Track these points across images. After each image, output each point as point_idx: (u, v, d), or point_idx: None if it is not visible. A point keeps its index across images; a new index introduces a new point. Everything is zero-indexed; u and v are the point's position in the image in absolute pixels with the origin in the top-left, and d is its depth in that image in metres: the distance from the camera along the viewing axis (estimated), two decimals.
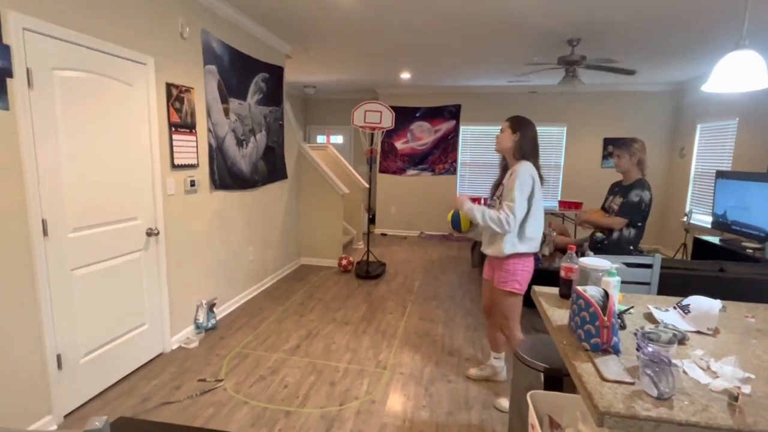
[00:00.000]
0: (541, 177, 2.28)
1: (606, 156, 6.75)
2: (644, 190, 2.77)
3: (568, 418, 1.49)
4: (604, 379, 1.13)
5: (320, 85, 7.22)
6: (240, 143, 3.72)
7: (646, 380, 1.07)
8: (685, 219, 5.63)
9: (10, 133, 1.87)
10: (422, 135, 7.32)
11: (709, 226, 5.09)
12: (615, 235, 2.86)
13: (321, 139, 8.48)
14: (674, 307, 1.63)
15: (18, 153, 1.90)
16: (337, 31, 3.99)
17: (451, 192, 7.36)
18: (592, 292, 1.35)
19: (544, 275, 3.38)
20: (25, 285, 1.96)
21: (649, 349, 1.11)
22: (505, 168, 2.40)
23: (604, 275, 1.58)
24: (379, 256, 5.88)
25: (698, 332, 1.47)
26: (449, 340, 3.25)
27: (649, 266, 2.39)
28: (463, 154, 7.28)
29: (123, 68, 2.45)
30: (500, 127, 2.39)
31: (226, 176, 3.53)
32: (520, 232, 2.25)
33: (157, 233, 2.77)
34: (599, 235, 2.96)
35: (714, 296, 1.60)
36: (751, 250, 3.97)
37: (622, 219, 2.82)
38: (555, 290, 1.86)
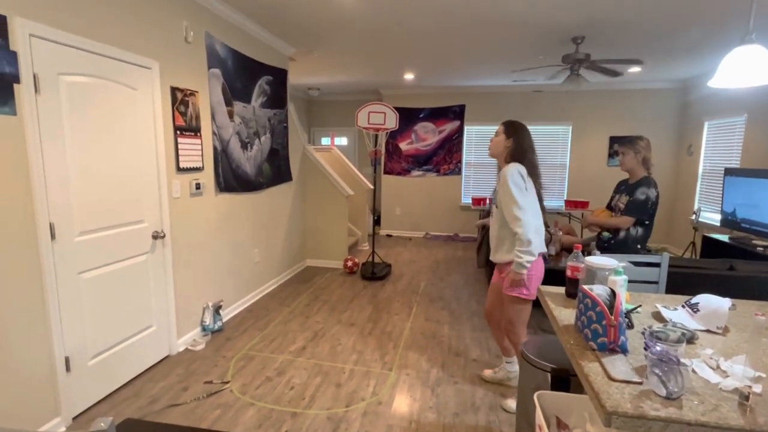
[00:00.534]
0: (537, 176, 2.24)
1: (612, 154, 6.69)
2: (650, 187, 2.74)
3: (576, 419, 1.47)
4: (611, 379, 1.11)
5: (324, 86, 7.24)
6: (245, 146, 3.74)
7: (654, 380, 1.06)
8: (693, 217, 5.57)
9: (18, 138, 1.89)
10: (426, 136, 7.31)
11: (718, 224, 5.03)
12: (622, 234, 2.84)
13: (325, 141, 8.50)
14: (683, 306, 1.61)
15: (25, 157, 1.92)
16: (340, 32, 4.00)
17: (456, 192, 7.33)
18: (598, 291, 1.34)
19: (551, 275, 3.35)
20: (33, 288, 1.98)
21: (658, 348, 1.09)
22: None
23: (610, 274, 1.56)
24: (385, 257, 5.87)
25: (707, 331, 1.45)
26: (456, 341, 3.24)
27: (657, 265, 2.36)
28: (468, 155, 7.26)
29: (128, 73, 2.47)
30: (496, 130, 2.34)
31: (231, 179, 3.54)
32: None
33: (163, 236, 2.78)
34: (606, 234, 2.93)
35: (724, 295, 1.58)
36: (761, 248, 3.91)
37: (629, 218, 2.79)
38: (561, 290, 1.84)
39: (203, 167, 3.18)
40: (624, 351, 1.25)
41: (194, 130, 3.05)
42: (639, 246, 2.85)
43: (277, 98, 4.36)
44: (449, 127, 7.19)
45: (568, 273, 1.74)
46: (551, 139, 6.95)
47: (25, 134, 1.91)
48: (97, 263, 2.32)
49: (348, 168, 6.19)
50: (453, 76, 6.08)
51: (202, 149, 3.14)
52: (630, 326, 1.45)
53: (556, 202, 7.03)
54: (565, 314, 1.57)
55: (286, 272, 4.77)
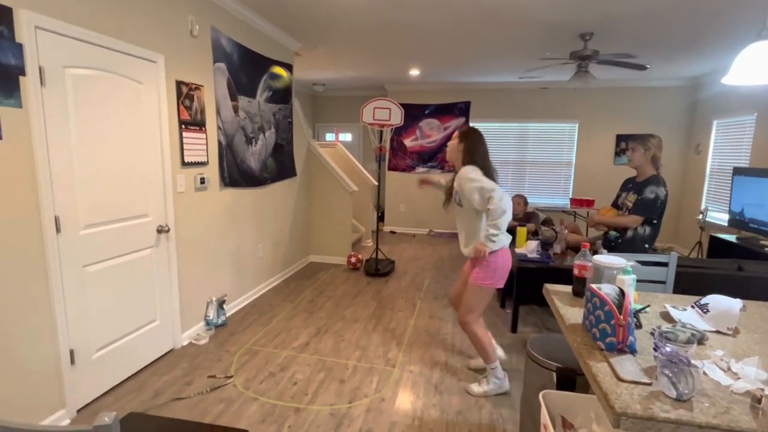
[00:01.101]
0: (493, 179, 2.37)
1: (618, 153, 6.64)
2: (660, 186, 2.71)
3: (582, 419, 1.46)
4: (620, 380, 1.10)
5: (329, 82, 7.22)
6: (249, 141, 3.73)
7: (664, 381, 1.04)
8: (700, 217, 5.52)
9: (24, 131, 1.89)
10: (431, 132, 7.28)
11: (726, 224, 4.98)
12: (629, 233, 2.81)
13: (330, 136, 8.48)
14: (692, 306, 1.58)
15: (31, 150, 1.92)
16: (346, 27, 3.98)
17: None
18: (607, 290, 1.32)
19: (556, 273, 3.34)
20: (38, 281, 1.98)
21: (668, 349, 1.07)
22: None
23: (619, 273, 1.54)
24: (388, 253, 5.87)
25: (717, 332, 1.42)
26: (459, 339, 3.22)
27: (665, 264, 2.34)
28: None
29: (134, 66, 2.46)
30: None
31: (236, 174, 3.54)
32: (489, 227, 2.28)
33: (168, 230, 2.78)
34: (613, 233, 2.91)
35: (732, 296, 1.55)
36: None
37: (638, 217, 2.76)
38: (568, 288, 1.82)
39: (208, 162, 3.18)
40: (633, 351, 1.24)
41: (199, 125, 3.04)
42: (647, 245, 2.82)
43: (283, 93, 4.34)
44: (454, 123, 7.16)
45: (576, 272, 1.72)
46: (557, 137, 6.90)
47: (31, 127, 1.91)
48: (101, 257, 2.33)
49: (352, 164, 6.17)
50: (459, 72, 6.04)
51: (206, 144, 3.14)
52: (638, 326, 1.43)
53: (561, 200, 6.99)
54: (572, 313, 1.55)
55: (289, 268, 4.77)
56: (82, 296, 2.22)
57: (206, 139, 3.13)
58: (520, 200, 4.82)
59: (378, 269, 4.78)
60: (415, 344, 3.12)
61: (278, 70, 4.17)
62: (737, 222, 4.60)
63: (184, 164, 2.93)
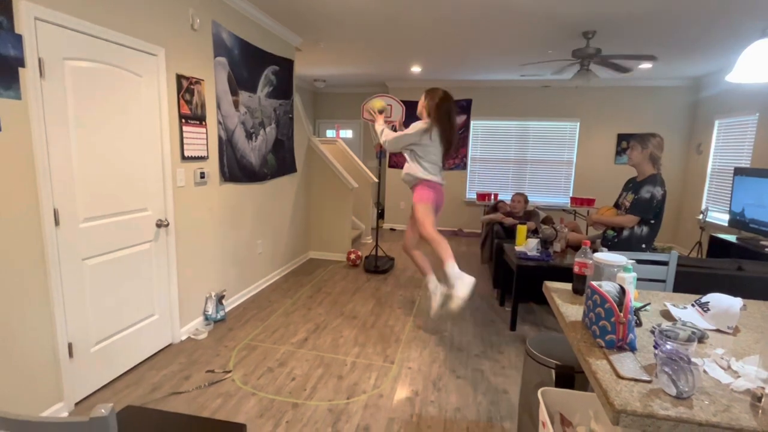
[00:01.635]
0: (446, 139, 3.07)
1: (619, 152, 6.63)
2: (656, 186, 2.69)
3: (580, 416, 1.46)
4: (620, 377, 1.09)
5: (330, 78, 7.20)
6: (249, 136, 3.72)
7: (664, 378, 1.04)
8: (700, 217, 5.51)
9: (23, 123, 1.87)
10: None
11: (726, 224, 4.97)
12: (626, 232, 2.79)
13: (330, 133, 8.47)
14: (692, 305, 1.58)
15: (30, 142, 1.91)
16: (347, 23, 3.96)
17: (461, 187, 7.30)
18: (607, 287, 1.32)
19: (556, 272, 3.33)
20: (37, 274, 1.98)
21: (668, 347, 1.07)
22: None
23: (619, 271, 1.53)
24: (388, 251, 5.86)
25: (717, 331, 1.42)
26: (458, 336, 3.22)
27: (665, 263, 2.33)
28: (474, 150, 7.21)
29: (134, 59, 2.45)
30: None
31: (236, 169, 3.53)
32: (421, 166, 3.06)
33: (167, 224, 2.78)
34: (610, 232, 2.90)
35: (732, 295, 1.55)
36: None
37: (633, 216, 2.74)
38: (568, 286, 1.82)
39: (208, 156, 3.17)
40: (633, 349, 1.23)
41: (199, 119, 3.03)
42: (644, 245, 2.80)
43: (283, 89, 4.33)
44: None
45: (576, 269, 1.71)
46: (558, 135, 6.88)
47: (30, 119, 1.90)
48: (100, 250, 2.32)
49: (353, 161, 6.16)
50: (460, 69, 6.02)
51: (207, 138, 3.13)
52: (638, 324, 1.43)
53: (561, 199, 6.99)
54: (571, 310, 1.55)
55: (289, 264, 4.77)
56: (80, 290, 2.22)
57: (206, 133, 3.12)
58: (520, 198, 4.81)
59: (377, 266, 4.77)
60: (413, 341, 3.12)
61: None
62: (738, 222, 4.59)
63: (184, 158, 2.92)
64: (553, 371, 1.73)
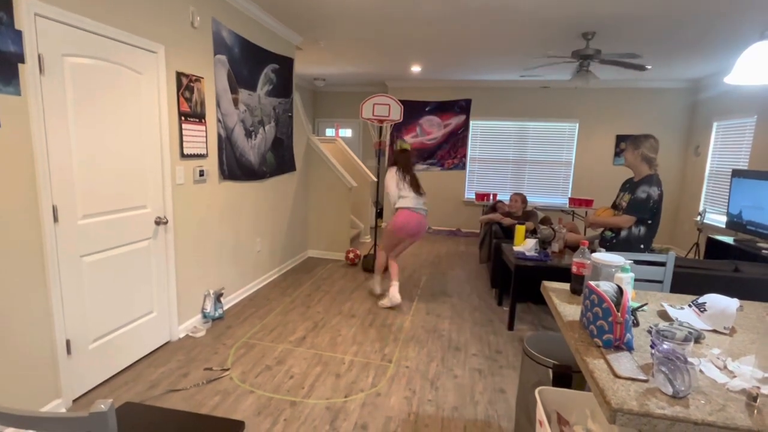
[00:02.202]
0: (407, 175, 3.76)
1: (618, 153, 6.64)
2: (652, 186, 2.68)
3: (577, 416, 1.46)
4: (617, 376, 1.10)
5: (330, 77, 7.19)
6: (249, 134, 3.72)
7: (660, 378, 1.04)
8: (698, 218, 5.53)
9: (22, 119, 1.87)
10: (431, 130, 7.27)
11: (723, 225, 4.99)
12: (623, 233, 2.78)
13: (330, 132, 8.46)
14: (689, 305, 1.59)
15: (29, 139, 1.91)
16: (348, 22, 3.96)
17: (460, 187, 7.31)
18: (605, 287, 1.32)
19: (554, 272, 3.35)
20: (35, 270, 1.98)
21: (665, 347, 1.08)
22: None
23: (617, 271, 1.54)
24: None
25: (714, 331, 1.43)
26: (456, 336, 3.23)
27: (663, 264, 2.34)
28: (473, 150, 7.22)
29: (134, 56, 2.45)
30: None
31: (235, 167, 3.53)
32: (399, 198, 3.75)
33: (166, 222, 2.78)
34: (608, 233, 2.89)
35: (728, 296, 1.56)
36: (766, 251, 3.89)
37: (629, 217, 2.72)
38: (566, 286, 1.82)
39: (207, 154, 3.16)
40: (630, 348, 1.24)
41: (199, 117, 3.03)
42: (642, 246, 2.79)
43: (283, 87, 4.32)
44: (454, 121, 7.15)
45: (574, 269, 1.72)
46: (557, 136, 6.90)
47: (29, 115, 1.90)
48: (99, 247, 2.32)
49: (352, 160, 6.16)
50: (460, 69, 6.02)
51: (206, 136, 3.12)
52: (636, 324, 1.44)
53: (560, 199, 7.00)
54: (569, 310, 1.55)
55: (287, 262, 4.77)
56: (79, 286, 2.21)
57: (206, 131, 3.12)
58: (518, 198, 4.82)
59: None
60: (411, 340, 3.13)
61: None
62: (735, 224, 4.61)
63: (183, 156, 2.91)
64: (550, 370, 1.73)
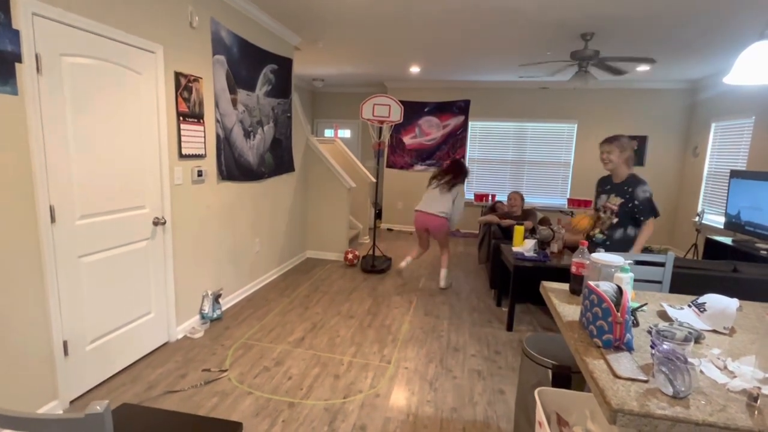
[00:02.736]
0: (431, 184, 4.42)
1: None
2: (645, 184, 2.62)
3: (577, 416, 1.46)
4: (617, 376, 1.10)
5: (329, 78, 7.19)
6: (247, 134, 3.71)
7: (661, 378, 1.04)
8: (696, 219, 5.54)
9: (19, 119, 1.86)
10: (430, 130, 7.27)
11: (722, 226, 5.00)
12: (618, 235, 2.70)
13: (329, 132, 8.46)
14: (689, 305, 1.59)
15: (26, 138, 1.90)
16: (346, 22, 3.96)
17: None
18: (605, 287, 1.32)
19: (553, 273, 3.34)
20: (32, 271, 1.97)
21: (665, 347, 1.07)
22: None
23: (616, 271, 1.54)
24: (385, 250, 5.86)
25: (714, 331, 1.43)
26: (455, 336, 3.22)
27: (662, 264, 2.34)
28: (472, 150, 7.22)
29: (132, 56, 2.44)
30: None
31: (233, 167, 3.52)
32: None
33: (164, 222, 2.76)
34: (599, 236, 2.79)
35: (727, 296, 1.55)
36: (765, 252, 3.89)
37: (651, 220, 2.63)
38: (565, 286, 1.82)
39: (205, 155, 3.15)
40: (629, 349, 1.24)
41: (197, 117, 3.02)
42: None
43: (282, 87, 4.32)
44: (453, 122, 7.15)
45: (573, 269, 1.72)
46: (556, 137, 6.90)
47: (27, 115, 1.89)
48: (97, 247, 2.31)
49: (351, 160, 6.16)
50: (459, 70, 6.02)
51: (204, 136, 3.12)
52: (635, 324, 1.43)
53: (558, 200, 7.01)
54: (569, 310, 1.55)
55: (286, 263, 4.76)
56: (76, 287, 2.20)
57: (204, 131, 3.11)
58: (517, 197, 4.81)
59: (374, 266, 4.77)
60: (410, 341, 3.12)
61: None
62: (733, 225, 4.62)
63: (182, 156, 2.90)
64: (549, 371, 1.73)
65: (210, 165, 3.23)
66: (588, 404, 1.46)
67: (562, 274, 3.31)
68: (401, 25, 3.97)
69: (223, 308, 3.52)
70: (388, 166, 7.50)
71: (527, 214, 4.73)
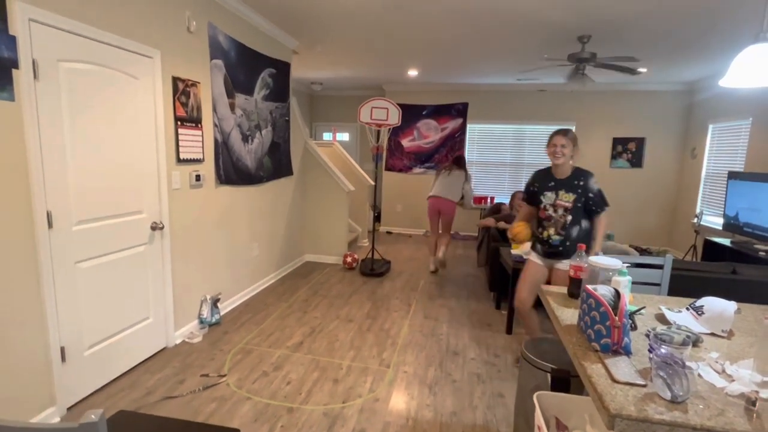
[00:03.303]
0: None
1: (615, 156, 6.66)
2: (593, 176, 2.52)
3: (576, 420, 1.45)
4: (615, 381, 1.09)
5: (327, 81, 7.20)
6: (245, 138, 3.71)
7: (659, 382, 1.04)
8: (695, 220, 5.54)
9: (16, 125, 1.86)
10: (429, 133, 7.28)
11: (720, 227, 5.00)
12: (575, 232, 2.53)
13: (327, 136, 8.46)
14: (687, 309, 1.58)
15: (23, 144, 1.89)
16: (344, 26, 3.97)
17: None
18: (602, 291, 1.32)
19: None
20: (29, 277, 1.96)
21: (663, 351, 1.07)
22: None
23: (614, 274, 1.54)
24: (384, 253, 5.86)
25: (712, 334, 1.42)
26: (454, 340, 3.22)
27: (660, 267, 2.34)
28: (470, 153, 7.22)
29: (129, 61, 2.44)
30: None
31: (232, 171, 3.52)
32: None
33: (162, 227, 2.76)
34: (556, 238, 2.57)
35: (726, 299, 1.55)
36: (763, 253, 3.89)
37: (606, 212, 2.52)
38: (563, 290, 1.82)
39: (203, 159, 3.15)
40: (627, 353, 1.23)
41: (195, 121, 3.02)
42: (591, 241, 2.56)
43: (280, 91, 4.32)
44: (452, 124, 7.16)
45: (571, 273, 1.71)
46: None
47: (23, 121, 1.88)
48: (94, 253, 2.30)
49: (349, 164, 6.16)
50: (456, 73, 6.04)
51: (202, 141, 3.12)
52: (633, 328, 1.43)
53: None
54: (567, 314, 1.55)
55: (284, 267, 4.75)
56: (73, 293, 2.19)
57: (202, 136, 3.11)
58: (518, 196, 4.82)
59: (373, 269, 4.77)
60: (409, 345, 3.11)
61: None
62: (732, 226, 4.62)
63: (180, 161, 2.90)
64: (548, 375, 1.73)
65: (208, 169, 3.23)
66: (587, 408, 1.45)
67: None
68: (399, 29, 3.98)
69: (222, 313, 3.51)
70: (387, 169, 7.51)
71: None
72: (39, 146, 1.95)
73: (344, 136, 8.39)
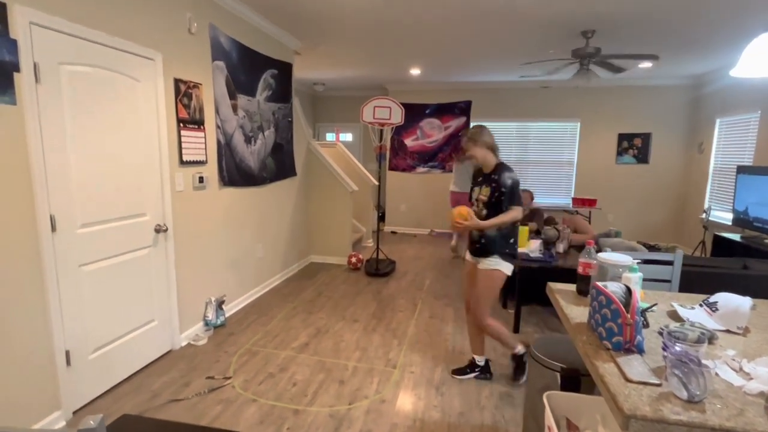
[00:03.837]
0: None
1: (621, 152, 6.60)
2: (512, 171, 2.44)
3: (587, 421, 1.42)
4: (628, 380, 1.06)
5: (329, 82, 7.19)
6: (248, 140, 3.70)
7: (674, 381, 1.00)
8: (703, 216, 5.47)
9: (18, 128, 1.86)
10: (432, 132, 7.24)
11: (729, 223, 4.93)
12: (492, 232, 2.45)
13: (330, 136, 8.46)
14: (700, 305, 1.54)
15: (26, 148, 1.89)
16: (347, 26, 3.95)
17: None
18: (613, 288, 1.28)
19: (559, 273, 3.30)
20: (33, 281, 1.95)
21: (677, 349, 1.04)
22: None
23: (624, 271, 1.50)
24: (389, 253, 5.83)
25: (727, 331, 1.39)
26: (461, 339, 3.18)
27: (670, 263, 2.30)
28: None
29: (131, 63, 2.43)
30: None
31: (235, 173, 3.51)
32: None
33: (166, 230, 2.75)
34: (475, 233, 2.52)
35: (738, 294, 1.51)
36: None
37: (517, 207, 2.41)
38: (572, 287, 1.78)
39: (206, 161, 3.14)
40: (640, 351, 1.20)
41: (197, 123, 3.01)
42: (512, 241, 2.49)
43: (282, 92, 4.31)
44: (455, 123, 7.12)
45: (580, 270, 1.68)
46: (559, 136, 6.86)
47: (25, 124, 1.88)
48: (98, 256, 2.29)
49: (353, 164, 6.14)
50: (459, 71, 6.00)
51: (205, 142, 3.11)
52: (646, 325, 1.39)
53: (563, 199, 6.95)
54: (576, 312, 1.51)
55: (289, 268, 4.74)
56: (78, 296, 2.19)
57: (205, 137, 3.10)
58: (527, 195, 4.78)
59: (378, 269, 4.74)
60: (416, 345, 3.08)
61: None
62: (741, 221, 4.55)
63: (183, 163, 2.90)
64: (558, 374, 1.69)
65: (211, 171, 3.22)
66: (598, 408, 1.42)
67: (568, 274, 3.26)
68: (401, 28, 3.95)
69: (227, 315, 3.50)
70: (391, 168, 7.48)
71: (533, 213, 4.69)
72: (41, 150, 1.95)
73: (347, 137, 8.38)
